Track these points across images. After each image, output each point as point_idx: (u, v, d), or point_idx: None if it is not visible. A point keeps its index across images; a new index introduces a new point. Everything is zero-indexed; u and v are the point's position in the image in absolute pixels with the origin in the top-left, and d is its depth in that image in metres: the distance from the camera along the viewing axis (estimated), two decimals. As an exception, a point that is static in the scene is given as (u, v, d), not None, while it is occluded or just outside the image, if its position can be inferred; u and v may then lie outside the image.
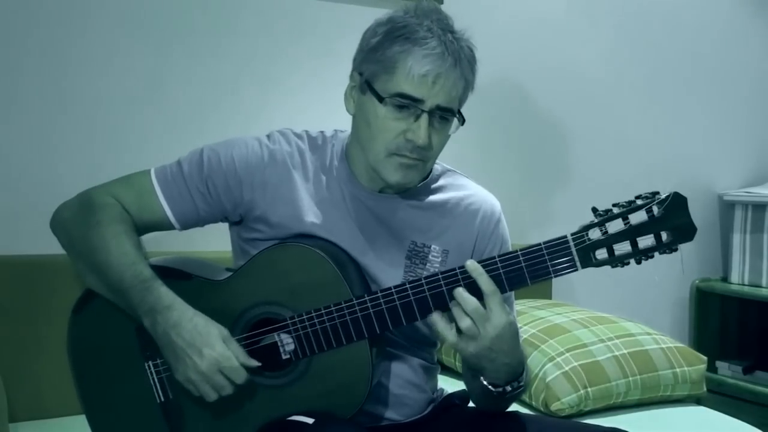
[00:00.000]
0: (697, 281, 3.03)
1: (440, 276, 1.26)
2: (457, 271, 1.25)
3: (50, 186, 1.88)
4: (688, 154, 3.00)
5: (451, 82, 1.31)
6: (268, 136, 1.44)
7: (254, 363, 1.29)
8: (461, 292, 1.23)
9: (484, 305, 1.23)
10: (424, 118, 1.30)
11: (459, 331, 1.24)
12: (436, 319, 1.25)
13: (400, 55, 1.29)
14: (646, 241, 1.20)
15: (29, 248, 1.88)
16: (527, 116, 2.67)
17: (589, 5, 2.75)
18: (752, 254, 2.96)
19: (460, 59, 1.31)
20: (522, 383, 1.34)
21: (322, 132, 1.47)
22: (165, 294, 1.29)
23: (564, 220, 2.46)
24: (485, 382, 1.31)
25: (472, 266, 1.23)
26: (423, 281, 1.27)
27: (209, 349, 1.25)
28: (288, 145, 1.43)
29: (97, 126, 2.02)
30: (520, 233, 2.48)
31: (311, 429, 1.25)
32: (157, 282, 1.30)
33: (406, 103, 1.30)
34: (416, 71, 1.28)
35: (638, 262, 1.22)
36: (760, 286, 2.93)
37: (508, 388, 1.32)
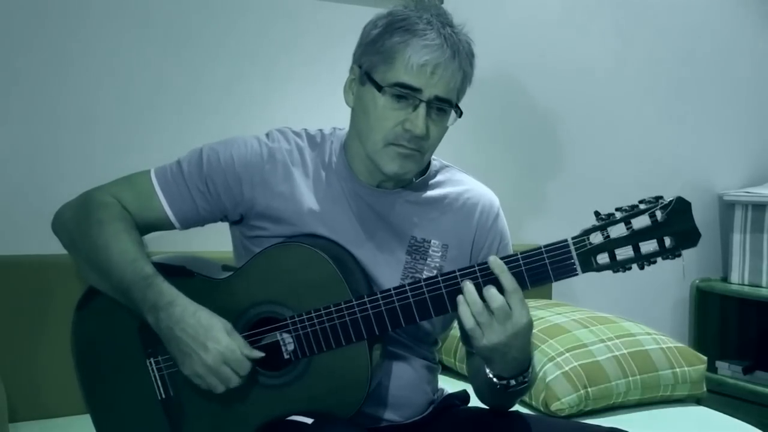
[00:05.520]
0: (697, 281, 3.03)
1: (440, 278, 1.26)
2: (457, 273, 1.25)
3: (50, 186, 1.89)
4: (688, 154, 3.00)
5: (450, 74, 1.32)
6: (267, 135, 1.45)
7: (258, 354, 1.29)
8: (490, 289, 1.22)
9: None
10: (422, 107, 1.31)
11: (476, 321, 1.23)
12: (460, 300, 1.24)
13: (399, 45, 1.31)
14: (648, 246, 1.19)
15: (29, 248, 1.88)
16: (526, 113, 2.67)
17: (589, 3, 2.75)
18: (752, 254, 2.95)
19: (459, 52, 1.33)
20: (527, 379, 1.33)
21: (320, 130, 1.48)
22: (167, 290, 1.28)
23: (561, 218, 2.47)
24: (490, 375, 1.31)
25: (495, 263, 1.22)
26: (422, 283, 1.27)
27: (214, 343, 1.25)
28: (287, 143, 1.43)
29: (97, 126, 2.02)
30: (518, 230, 2.48)
31: (311, 429, 1.25)
32: (158, 278, 1.29)
33: (405, 93, 1.31)
34: (415, 61, 1.30)
35: (641, 267, 1.20)
36: (760, 286, 2.93)
37: (513, 382, 1.31)
